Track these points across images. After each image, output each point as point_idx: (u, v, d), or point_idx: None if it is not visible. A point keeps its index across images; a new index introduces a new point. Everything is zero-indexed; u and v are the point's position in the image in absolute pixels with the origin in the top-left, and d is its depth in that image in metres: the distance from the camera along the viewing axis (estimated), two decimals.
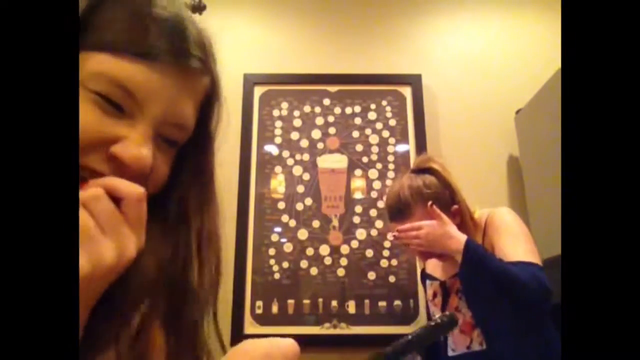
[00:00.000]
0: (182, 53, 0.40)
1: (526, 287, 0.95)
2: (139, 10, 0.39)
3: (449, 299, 1.18)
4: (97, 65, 0.37)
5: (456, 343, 1.15)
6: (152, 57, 0.38)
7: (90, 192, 0.34)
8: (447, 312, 0.59)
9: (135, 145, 0.38)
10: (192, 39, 0.41)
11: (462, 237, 1.04)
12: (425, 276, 1.32)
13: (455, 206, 1.14)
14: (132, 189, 0.36)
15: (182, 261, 0.44)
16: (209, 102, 0.46)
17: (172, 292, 0.44)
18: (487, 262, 0.99)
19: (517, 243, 1.06)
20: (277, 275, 1.73)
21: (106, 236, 0.34)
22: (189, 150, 0.45)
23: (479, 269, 0.99)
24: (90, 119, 0.37)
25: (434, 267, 1.27)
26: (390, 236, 1.13)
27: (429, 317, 1.29)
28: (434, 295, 1.24)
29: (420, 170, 1.18)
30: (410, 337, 0.54)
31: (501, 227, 1.10)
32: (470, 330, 1.12)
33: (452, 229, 1.06)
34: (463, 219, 1.14)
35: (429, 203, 1.08)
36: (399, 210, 1.13)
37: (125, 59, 0.37)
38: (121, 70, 0.37)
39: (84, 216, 0.33)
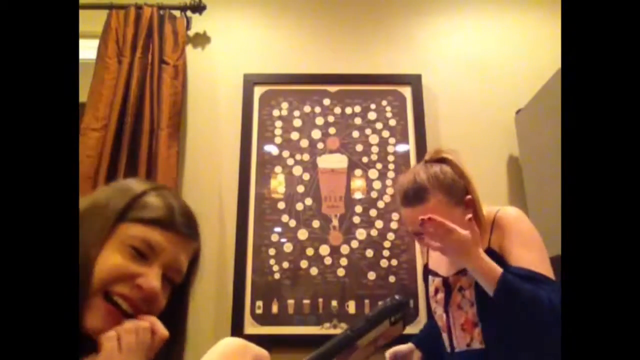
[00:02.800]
0: (185, 227, 0.65)
1: (547, 313, 0.94)
2: (160, 201, 0.65)
3: (451, 295, 1.16)
4: (135, 231, 0.61)
5: (457, 340, 1.14)
6: (170, 228, 0.63)
7: (142, 324, 0.57)
8: (396, 296, 0.60)
9: (152, 279, 0.60)
10: (190, 218, 0.67)
11: (496, 268, 1.01)
12: (428, 272, 1.30)
13: (469, 196, 1.12)
14: (163, 332, 0.58)
15: None
16: (195, 258, 0.69)
17: None
18: (520, 292, 0.97)
19: (531, 254, 1.05)
20: (277, 275, 1.73)
21: (134, 352, 0.56)
22: (178, 293, 0.68)
23: (510, 300, 0.98)
24: (125, 262, 0.59)
25: (437, 263, 1.25)
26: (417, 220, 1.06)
27: (429, 314, 1.27)
28: (436, 291, 1.22)
29: (434, 161, 1.17)
30: (349, 332, 0.55)
31: (512, 233, 1.08)
32: (471, 328, 1.11)
33: (481, 253, 1.02)
34: (475, 211, 1.12)
35: (468, 216, 1.04)
36: (414, 194, 1.10)
37: (153, 228, 0.62)
38: (149, 234, 0.61)
39: (131, 336, 0.55)
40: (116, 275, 0.58)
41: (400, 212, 1.17)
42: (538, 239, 1.09)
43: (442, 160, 1.16)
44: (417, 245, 1.68)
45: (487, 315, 1.09)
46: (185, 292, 0.69)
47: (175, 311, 0.67)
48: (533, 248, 1.07)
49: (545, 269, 1.04)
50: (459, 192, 1.11)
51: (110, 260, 0.59)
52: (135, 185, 0.67)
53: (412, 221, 1.13)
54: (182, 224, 0.65)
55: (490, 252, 1.10)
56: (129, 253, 0.60)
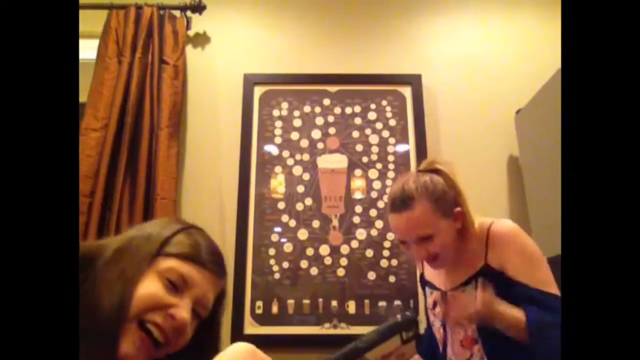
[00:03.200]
0: (213, 264, 0.70)
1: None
2: (188, 239, 0.70)
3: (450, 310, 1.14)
4: (171, 264, 0.66)
5: (456, 356, 1.13)
6: (201, 265, 0.68)
7: None
8: (407, 312, 0.58)
9: (183, 310, 0.64)
10: (218, 256, 0.72)
11: (517, 316, 0.99)
12: (424, 282, 1.28)
13: (458, 208, 1.10)
14: None
15: None
16: (221, 296, 0.73)
17: None
18: (548, 326, 0.95)
19: (539, 272, 1.04)
20: (277, 275, 1.73)
21: None
22: (204, 327, 0.71)
23: (543, 337, 0.96)
24: (160, 293, 0.63)
25: (433, 274, 1.23)
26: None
27: (429, 324, 1.24)
28: (434, 305, 1.20)
29: (427, 171, 1.15)
30: (358, 343, 0.54)
31: (515, 250, 1.06)
32: (471, 344, 1.09)
33: (499, 309, 1.02)
34: (465, 224, 1.10)
35: (480, 297, 1.04)
36: (402, 201, 1.08)
37: (186, 263, 0.67)
38: (183, 268, 0.66)
39: None
40: (152, 304, 0.62)
41: (388, 219, 1.14)
42: (540, 253, 1.07)
43: (435, 171, 1.14)
44: None
45: (487, 333, 1.07)
46: (214, 328, 0.73)
47: (204, 346, 0.70)
48: (539, 265, 1.05)
49: (553, 285, 1.02)
50: (448, 203, 1.09)
51: (147, 289, 0.63)
52: (171, 224, 0.73)
53: (397, 227, 1.12)
54: (211, 262, 0.70)
55: (488, 268, 1.08)
56: (164, 284, 0.64)
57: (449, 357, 1.15)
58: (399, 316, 0.57)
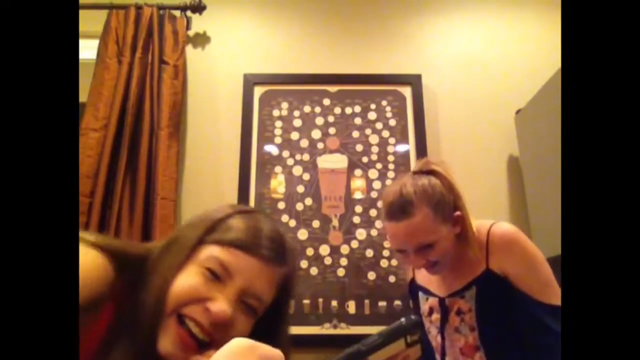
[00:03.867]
0: (268, 250, 0.62)
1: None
2: (244, 223, 0.64)
3: (448, 317, 1.10)
4: (211, 252, 0.61)
5: None
6: (249, 251, 0.61)
7: None
8: (412, 316, 0.58)
9: (221, 303, 0.58)
10: (277, 242, 0.64)
11: None
12: (416, 287, 1.23)
13: (458, 212, 1.06)
14: None
15: None
16: (285, 286, 0.66)
17: None
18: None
19: (542, 274, 1.02)
20: None
21: None
22: (268, 322, 0.65)
23: None
24: (197, 284, 0.59)
25: (427, 279, 1.18)
26: None
27: (424, 331, 1.20)
28: (431, 311, 1.16)
29: (422, 173, 1.10)
30: (360, 346, 0.53)
31: (519, 257, 1.03)
32: (471, 352, 1.08)
33: None
34: (464, 228, 1.07)
35: None
36: (400, 208, 1.02)
37: (230, 249, 0.61)
38: (225, 255, 0.60)
39: None
40: (187, 297, 0.58)
41: (384, 226, 1.07)
42: (541, 255, 1.05)
43: (431, 173, 1.09)
44: None
45: (491, 340, 1.05)
46: (276, 324, 0.66)
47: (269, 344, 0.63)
48: (541, 269, 1.03)
49: (556, 287, 1.01)
50: (447, 207, 1.04)
51: (184, 282, 0.59)
52: (222, 209, 0.67)
53: (396, 236, 1.05)
54: (265, 247, 0.62)
55: (490, 274, 1.05)
56: (204, 275, 0.59)
57: None
58: (403, 319, 0.57)
